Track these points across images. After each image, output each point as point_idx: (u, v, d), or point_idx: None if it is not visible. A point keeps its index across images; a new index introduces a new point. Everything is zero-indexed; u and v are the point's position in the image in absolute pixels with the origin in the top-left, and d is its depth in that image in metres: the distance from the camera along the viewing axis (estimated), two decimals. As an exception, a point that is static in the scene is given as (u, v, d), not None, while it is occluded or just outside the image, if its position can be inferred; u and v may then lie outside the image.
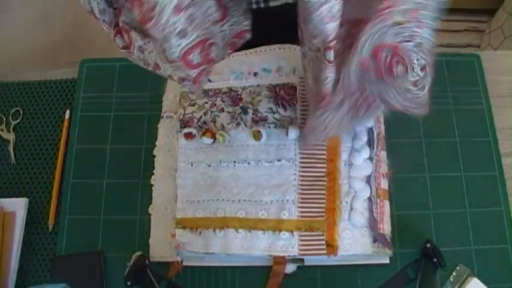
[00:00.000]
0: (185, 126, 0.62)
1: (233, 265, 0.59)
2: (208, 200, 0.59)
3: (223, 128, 0.62)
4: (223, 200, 0.59)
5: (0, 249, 0.58)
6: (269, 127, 0.61)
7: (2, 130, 0.67)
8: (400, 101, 0.40)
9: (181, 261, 0.59)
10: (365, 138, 0.61)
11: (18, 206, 0.62)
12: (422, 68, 0.37)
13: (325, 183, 0.59)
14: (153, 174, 0.63)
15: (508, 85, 0.70)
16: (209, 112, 0.63)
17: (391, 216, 0.59)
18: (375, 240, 0.57)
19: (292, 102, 0.62)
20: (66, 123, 0.67)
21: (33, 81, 0.71)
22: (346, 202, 0.59)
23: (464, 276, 0.59)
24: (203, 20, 0.41)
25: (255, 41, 0.51)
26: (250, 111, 0.62)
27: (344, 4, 0.36)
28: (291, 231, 0.57)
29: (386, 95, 0.40)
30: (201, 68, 0.45)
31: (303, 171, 0.59)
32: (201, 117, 0.63)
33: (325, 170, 0.59)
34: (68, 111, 0.68)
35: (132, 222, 0.62)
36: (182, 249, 0.57)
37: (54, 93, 0.70)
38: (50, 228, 0.61)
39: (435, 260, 0.57)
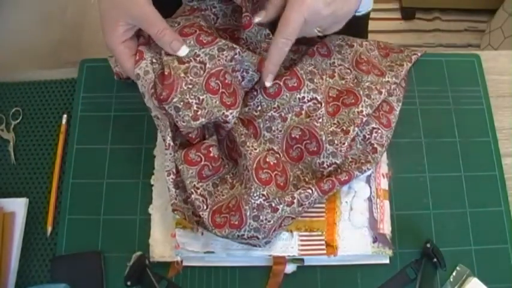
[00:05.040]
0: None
1: (233, 265, 0.59)
2: (208, 200, 0.59)
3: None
4: (223, 200, 0.58)
5: (0, 250, 0.58)
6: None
7: (2, 130, 0.67)
8: None
9: (181, 261, 0.59)
10: (365, 138, 0.61)
11: (18, 206, 0.61)
12: None
13: (325, 183, 0.58)
14: (153, 174, 0.63)
15: (508, 85, 0.70)
16: None
17: (391, 216, 0.59)
18: (375, 240, 0.57)
19: None
20: (62, 129, 0.66)
21: (33, 81, 0.71)
22: (346, 202, 0.59)
23: (464, 276, 0.59)
24: None
25: None
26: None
27: None
28: (291, 231, 0.57)
29: None
30: None
31: (303, 171, 0.59)
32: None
33: (325, 170, 0.59)
34: (64, 116, 0.67)
35: (132, 222, 0.62)
36: (182, 249, 0.57)
37: (54, 93, 0.70)
38: (50, 229, 0.61)
39: (435, 260, 0.57)
